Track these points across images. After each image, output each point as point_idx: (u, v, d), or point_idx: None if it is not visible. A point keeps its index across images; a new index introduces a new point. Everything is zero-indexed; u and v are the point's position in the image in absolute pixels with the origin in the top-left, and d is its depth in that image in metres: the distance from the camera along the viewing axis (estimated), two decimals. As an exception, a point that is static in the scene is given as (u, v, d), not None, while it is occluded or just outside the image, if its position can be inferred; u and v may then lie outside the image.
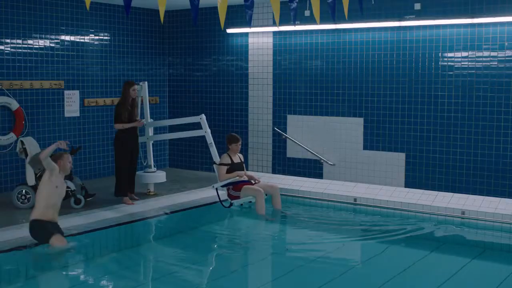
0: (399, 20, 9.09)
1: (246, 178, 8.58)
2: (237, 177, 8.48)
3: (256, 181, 8.62)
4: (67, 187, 8.48)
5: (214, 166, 8.72)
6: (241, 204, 8.55)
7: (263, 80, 10.82)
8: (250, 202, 8.51)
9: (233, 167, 8.53)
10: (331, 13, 6.36)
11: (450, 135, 9.02)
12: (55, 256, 6.57)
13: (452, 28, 8.87)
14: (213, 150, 8.77)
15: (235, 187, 8.43)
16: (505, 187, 8.62)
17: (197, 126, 9.16)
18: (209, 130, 8.90)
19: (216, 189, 8.53)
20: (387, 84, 9.50)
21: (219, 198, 8.49)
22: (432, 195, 8.74)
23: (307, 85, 10.32)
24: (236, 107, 11.18)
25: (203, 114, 9.01)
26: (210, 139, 8.84)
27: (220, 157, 8.71)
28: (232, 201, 8.44)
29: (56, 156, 6.78)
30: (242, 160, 8.82)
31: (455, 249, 7.16)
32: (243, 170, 8.70)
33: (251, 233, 7.95)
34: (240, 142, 8.66)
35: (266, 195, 8.44)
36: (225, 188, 8.53)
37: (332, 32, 9.94)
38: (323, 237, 7.62)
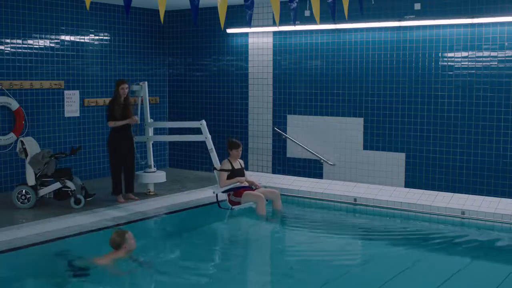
0: (399, 20, 9.09)
1: (247, 184, 8.58)
2: (238, 183, 8.48)
3: (257, 187, 8.62)
4: (67, 187, 8.50)
5: (215, 171, 8.70)
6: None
7: (263, 80, 10.82)
8: (251, 207, 8.51)
9: (233, 173, 8.52)
10: (331, 13, 6.35)
11: (450, 135, 9.02)
12: (55, 256, 6.57)
13: (452, 28, 8.87)
14: (214, 156, 8.75)
15: (236, 193, 8.42)
16: (505, 187, 8.62)
17: (198, 129, 9.14)
18: (209, 136, 8.87)
19: (216, 195, 8.53)
20: (387, 84, 9.50)
21: (218, 203, 8.49)
22: (432, 195, 8.74)
23: (307, 85, 10.32)
24: (236, 107, 11.18)
25: (203, 120, 8.98)
26: (210, 144, 8.81)
27: (220, 162, 8.69)
28: (233, 207, 8.45)
29: (118, 241, 6.09)
30: (243, 165, 8.80)
31: (455, 249, 7.16)
32: (244, 176, 8.69)
33: (251, 233, 7.95)
34: (240, 148, 8.63)
35: (267, 200, 8.44)
36: (225, 194, 8.53)
37: (332, 32, 9.94)
38: (323, 237, 7.62)
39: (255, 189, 8.56)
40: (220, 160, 8.80)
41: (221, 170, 8.50)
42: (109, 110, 8.76)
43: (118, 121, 8.70)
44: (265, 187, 9.70)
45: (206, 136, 8.85)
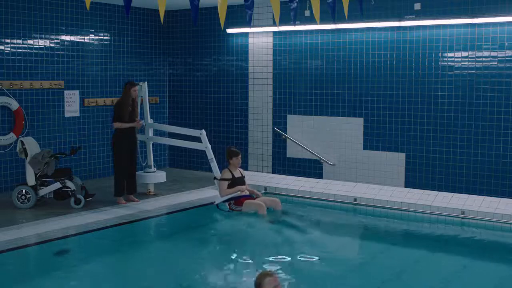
0: (399, 20, 9.09)
1: (247, 193, 8.58)
2: (239, 192, 8.48)
3: (257, 196, 8.62)
4: (67, 187, 8.50)
5: (215, 181, 8.70)
6: None
7: (263, 80, 10.82)
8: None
9: (234, 182, 8.51)
10: (331, 13, 6.35)
11: (450, 135, 9.02)
12: (55, 256, 6.58)
13: (452, 28, 8.87)
14: (214, 165, 8.72)
15: (236, 202, 8.41)
16: (505, 187, 8.62)
17: (198, 129, 9.11)
18: (209, 146, 8.85)
19: (217, 205, 8.54)
20: (387, 84, 9.50)
21: (217, 204, 8.52)
22: (432, 195, 8.73)
23: (307, 85, 10.32)
24: (236, 107, 11.18)
25: (203, 130, 8.95)
26: (210, 154, 8.79)
27: (221, 172, 8.68)
28: (230, 210, 8.48)
29: (257, 284, 5.01)
30: (243, 174, 8.79)
31: (455, 249, 7.16)
32: (244, 184, 8.69)
33: (251, 233, 7.94)
34: (240, 156, 8.61)
35: (267, 208, 8.42)
36: (226, 203, 8.53)
37: (332, 32, 9.94)
38: (323, 237, 7.62)
39: (255, 197, 8.56)
40: (220, 169, 8.79)
41: (222, 179, 8.50)
42: (118, 112, 8.69)
43: (125, 122, 8.68)
44: (265, 188, 9.72)
45: (206, 146, 8.83)
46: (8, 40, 9.38)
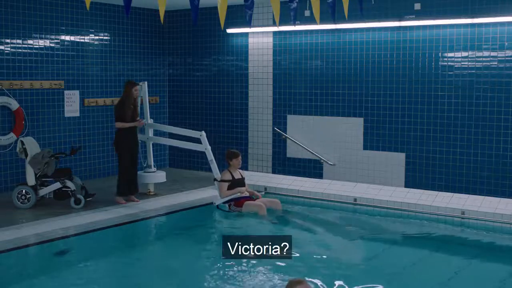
0: (399, 20, 9.10)
1: (247, 194, 8.58)
2: (239, 193, 8.48)
3: (257, 197, 8.62)
4: (67, 187, 8.50)
5: (215, 182, 8.70)
6: None
7: (263, 80, 10.82)
8: None
9: (234, 183, 8.51)
10: (331, 13, 6.35)
11: (450, 135, 9.02)
12: (55, 256, 6.57)
13: (452, 28, 8.87)
14: (214, 167, 8.72)
15: (236, 203, 8.41)
16: (505, 187, 8.62)
17: (198, 129, 9.10)
18: (209, 147, 8.84)
19: (217, 206, 8.54)
20: (387, 84, 9.50)
21: (218, 207, 8.53)
22: (432, 195, 8.73)
23: (307, 85, 10.32)
24: (236, 107, 11.18)
25: (203, 131, 8.94)
26: (210, 155, 8.78)
27: (221, 173, 8.68)
28: (230, 209, 8.47)
29: None
30: (243, 175, 8.79)
31: (455, 249, 7.16)
32: (244, 186, 8.69)
33: (252, 233, 7.94)
34: (240, 157, 8.62)
35: (267, 209, 8.42)
36: (226, 205, 8.53)
37: (332, 32, 9.94)
38: (323, 237, 7.62)
39: (255, 199, 8.56)
40: (220, 170, 8.78)
41: (222, 180, 8.50)
42: (120, 112, 8.67)
43: (127, 122, 8.66)
44: (265, 188, 9.72)
45: (206, 147, 8.83)
46: (8, 40, 9.38)
